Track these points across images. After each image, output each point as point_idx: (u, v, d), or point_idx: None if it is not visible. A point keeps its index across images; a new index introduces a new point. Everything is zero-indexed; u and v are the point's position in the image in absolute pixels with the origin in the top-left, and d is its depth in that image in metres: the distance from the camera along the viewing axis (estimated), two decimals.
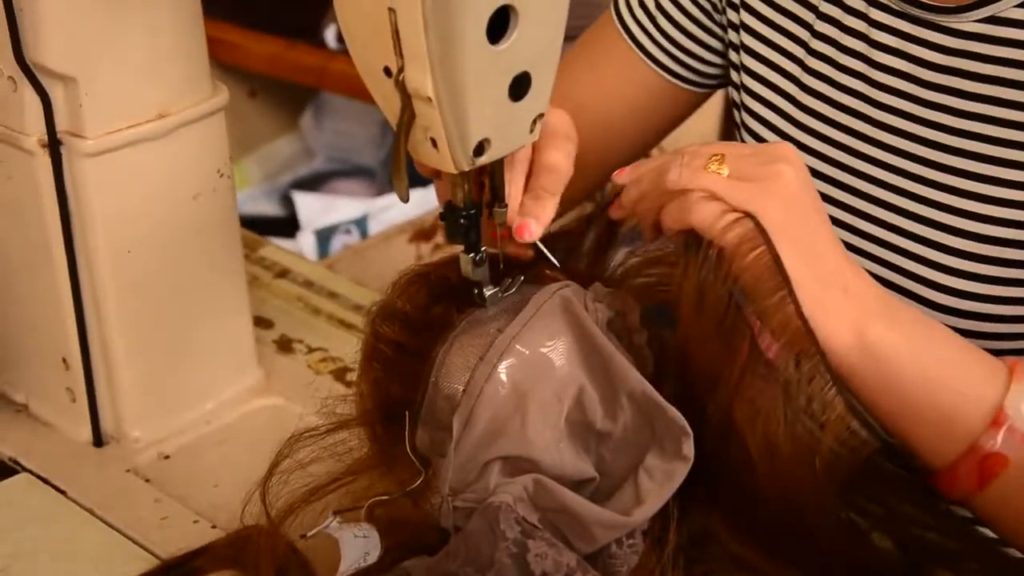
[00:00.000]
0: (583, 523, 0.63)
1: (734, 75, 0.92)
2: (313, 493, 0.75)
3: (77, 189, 0.84)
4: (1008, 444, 0.65)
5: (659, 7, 0.93)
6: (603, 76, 0.96)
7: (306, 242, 1.87)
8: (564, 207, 0.83)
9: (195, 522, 0.84)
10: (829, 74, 0.85)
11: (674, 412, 0.64)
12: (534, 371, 0.66)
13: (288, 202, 2.03)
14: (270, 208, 2.08)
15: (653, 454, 0.64)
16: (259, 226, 1.94)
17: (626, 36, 0.95)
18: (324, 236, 1.87)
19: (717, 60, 0.94)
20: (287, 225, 1.98)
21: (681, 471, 0.63)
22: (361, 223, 1.90)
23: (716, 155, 0.67)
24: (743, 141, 0.91)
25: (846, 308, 0.65)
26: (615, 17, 0.96)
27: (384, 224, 1.85)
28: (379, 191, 2.07)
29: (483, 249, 0.68)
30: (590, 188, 1.00)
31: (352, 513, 0.73)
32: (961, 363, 0.67)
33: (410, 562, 0.67)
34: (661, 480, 0.63)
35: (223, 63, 2.01)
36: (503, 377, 0.66)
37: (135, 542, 0.83)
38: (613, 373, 0.65)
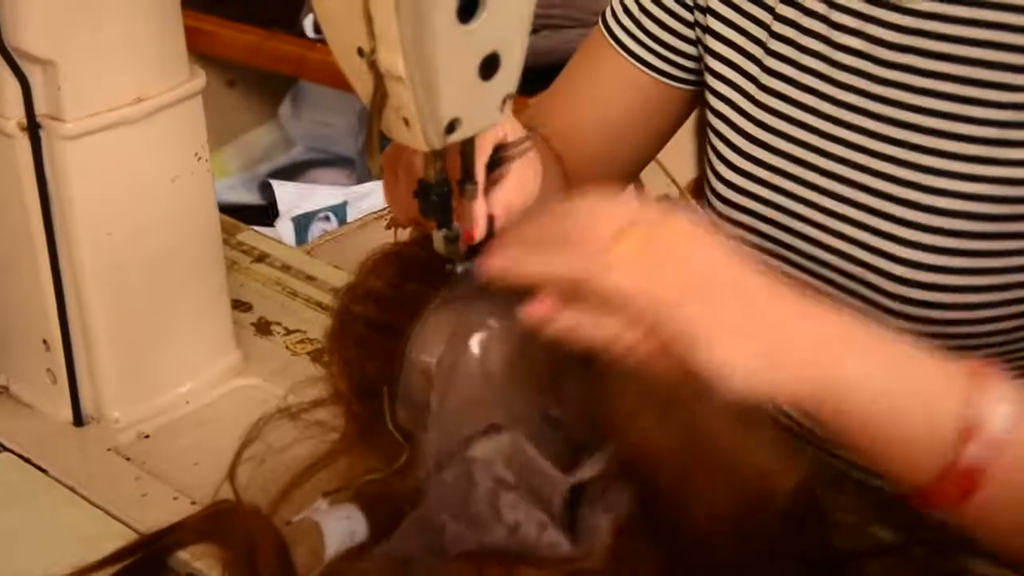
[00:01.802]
0: (553, 485, 0.64)
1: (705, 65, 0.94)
2: (301, 476, 0.76)
3: (57, 172, 0.86)
4: (985, 454, 0.63)
5: (642, 9, 0.96)
6: (598, 88, 0.98)
7: (284, 229, 1.87)
8: None
9: (175, 499, 0.86)
10: (790, 55, 0.86)
11: None
12: (509, 344, 0.68)
13: (267, 191, 2.04)
14: (249, 197, 2.09)
15: None
16: (238, 214, 1.95)
17: (615, 44, 0.97)
18: (302, 223, 1.88)
19: (696, 52, 0.96)
20: (265, 213, 1.99)
21: None
22: (339, 210, 1.91)
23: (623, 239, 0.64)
24: (710, 140, 0.93)
25: (793, 362, 0.63)
26: (603, 29, 0.99)
27: (362, 211, 1.86)
28: (358, 179, 2.08)
29: (456, 225, 0.69)
30: None
31: (339, 493, 0.74)
32: (921, 379, 0.65)
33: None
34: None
35: (201, 53, 2.01)
36: (476, 351, 0.67)
37: (116, 518, 0.84)
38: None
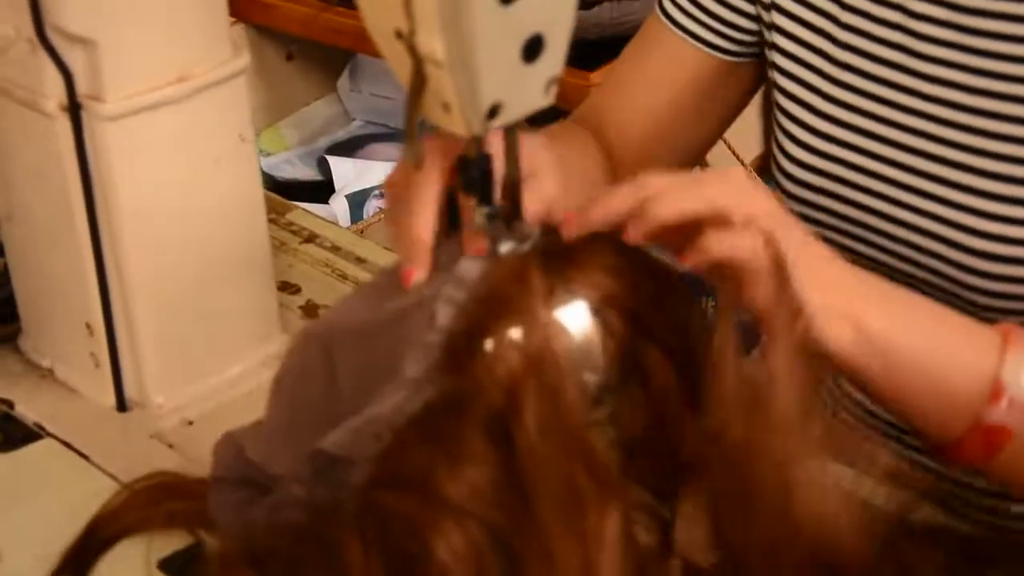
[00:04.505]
0: None
1: (768, 41, 0.90)
2: None
3: (98, 153, 0.84)
4: (1010, 416, 0.65)
5: None
6: (652, 71, 0.96)
7: (339, 207, 1.85)
8: None
9: None
10: (865, 27, 0.83)
11: None
12: None
13: (325, 166, 2.02)
14: (307, 172, 2.07)
15: None
16: (295, 190, 1.94)
17: (668, 22, 0.94)
18: (358, 201, 1.86)
19: (755, 27, 0.92)
20: (324, 189, 1.97)
21: None
22: None
23: None
24: (778, 120, 0.89)
25: (841, 306, 0.65)
26: (659, 12, 0.96)
27: None
28: None
29: (497, 202, 0.66)
30: None
31: None
32: (957, 339, 0.67)
33: None
34: None
35: (259, 25, 2.00)
36: None
37: None
38: None
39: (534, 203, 0.66)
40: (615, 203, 0.64)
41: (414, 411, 0.59)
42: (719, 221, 0.63)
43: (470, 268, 0.63)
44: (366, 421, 0.61)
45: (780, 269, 0.62)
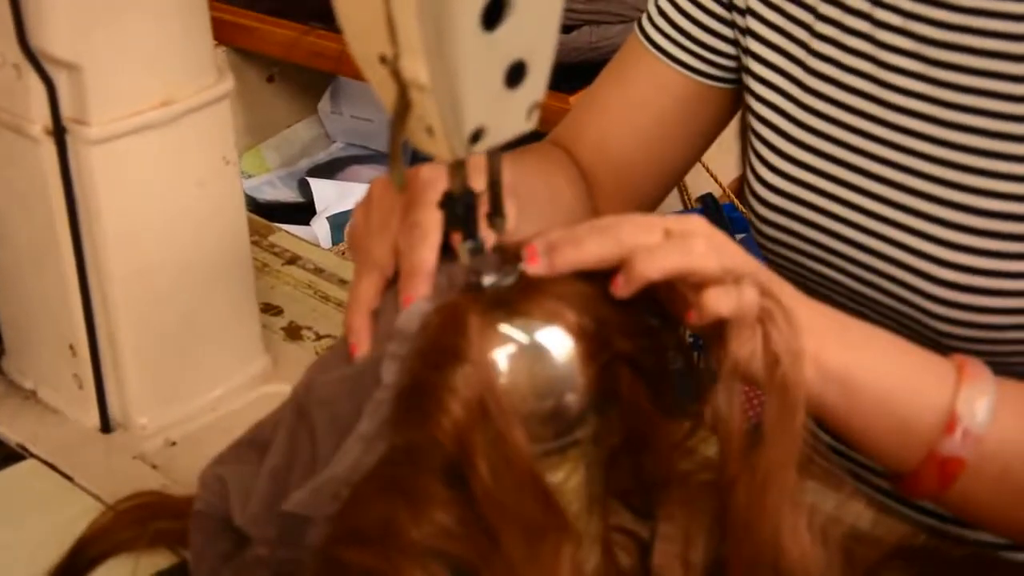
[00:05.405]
0: None
1: (744, 66, 0.92)
2: None
3: (82, 176, 0.85)
4: (964, 447, 0.65)
5: (678, 9, 0.94)
6: (631, 92, 0.97)
7: (320, 228, 1.86)
8: None
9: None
10: (835, 56, 0.84)
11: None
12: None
13: (306, 188, 2.03)
14: (288, 194, 2.08)
15: None
16: (277, 212, 1.94)
17: (648, 44, 0.95)
18: (339, 222, 1.87)
19: (734, 51, 0.94)
20: (305, 211, 1.97)
21: None
22: None
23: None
24: (751, 143, 0.90)
25: (810, 349, 0.64)
26: (639, 34, 0.97)
27: None
28: None
29: (481, 237, 0.67)
30: (644, 209, 1.00)
31: None
32: (914, 371, 0.67)
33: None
34: None
35: (241, 48, 2.01)
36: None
37: None
38: None
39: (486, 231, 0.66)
40: (589, 252, 0.62)
41: (369, 466, 0.60)
42: (720, 279, 0.62)
43: (409, 320, 0.63)
44: (325, 480, 0.62)
45: (778, 322, 0.62)
